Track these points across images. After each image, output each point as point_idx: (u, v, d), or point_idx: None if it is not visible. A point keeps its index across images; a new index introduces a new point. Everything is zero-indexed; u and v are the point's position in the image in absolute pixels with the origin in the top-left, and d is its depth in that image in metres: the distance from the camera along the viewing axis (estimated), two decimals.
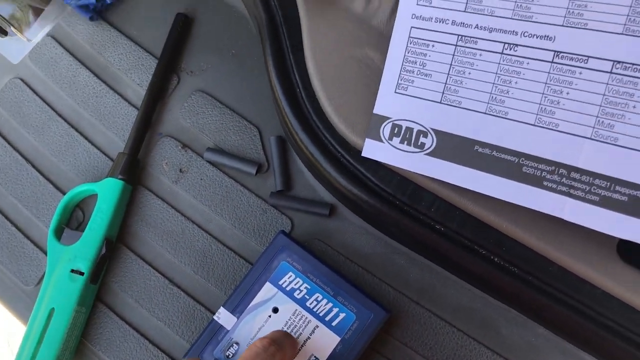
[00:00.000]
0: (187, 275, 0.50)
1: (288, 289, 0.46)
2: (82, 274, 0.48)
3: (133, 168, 0.52)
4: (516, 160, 0.36)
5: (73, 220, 0.52)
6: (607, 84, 0.34)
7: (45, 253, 0.51)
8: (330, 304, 0.46)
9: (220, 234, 0.50)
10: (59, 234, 0.50)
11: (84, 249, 0.49)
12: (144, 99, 0.53)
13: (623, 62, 0.33)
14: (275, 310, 0.46)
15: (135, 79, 0.55)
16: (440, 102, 0.39)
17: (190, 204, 0.52)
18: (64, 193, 0.53)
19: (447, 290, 0.48)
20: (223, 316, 0.46)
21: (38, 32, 0.57)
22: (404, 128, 0.40)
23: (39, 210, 0.53)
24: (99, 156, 0.53)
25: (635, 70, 0.33)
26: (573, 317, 0.40)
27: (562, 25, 0.35)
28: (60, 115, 0.55)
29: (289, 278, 0.46)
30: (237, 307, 0.46)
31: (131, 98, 0.55)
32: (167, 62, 0.54)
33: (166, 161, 0.53)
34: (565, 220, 0.36)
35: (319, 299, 0.46)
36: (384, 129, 0.41)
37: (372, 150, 0.42)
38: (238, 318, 0.46)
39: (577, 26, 0.35)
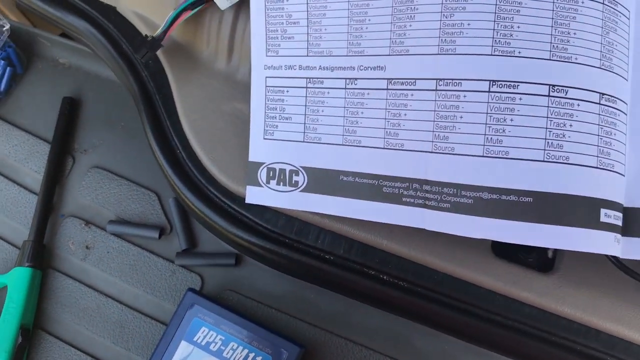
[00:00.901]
0: (108, 347, 0.51)
1: (203, 343, 0.47)
2: None
3: (39, 253, 0.53)
4: (376, 183, 0.39)
5: None
6: (435, 100, 0.37)
7: None
8: (246, 350, 0.47)
9: (134, 302, 0.51)
10: None
11: (0, 341, 0.49)
12: (42, 184, 0.54)
13: (444, 79, 0.36)
14: None
15: (32, 166, 0.56)
16: (304, 141, 0.42)
17: (101, 277, 0.53)
18: None
19: (358, 314, 0.50)
20: None
21: None
22: (277, 170, 0.43)
23: None
24: (6, 247, 0.54)
25: (455, 84, 0.36)
26: (466, 319, 0.42)
27: (389, 55, 0.38)
28: None
29: (202, 333, 0.47)
30: None
31: (31, 186, 0.56)
32: (59, 146, 0.56)
33: (72, 241, 0.54)
34: (430, 232, 0.38)
35: (234, 347, 0.47)
36: (260, 173, 0.43)
37: (254, 195, 0.44)
38: None
39: (400, 53, 0.38)
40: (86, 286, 0.52)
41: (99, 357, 0.51)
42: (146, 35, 0.46)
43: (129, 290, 0.52)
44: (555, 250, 0.42)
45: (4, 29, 0.56)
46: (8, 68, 0.58)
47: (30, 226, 0.53)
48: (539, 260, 0.42)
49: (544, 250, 0.42)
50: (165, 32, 0.45)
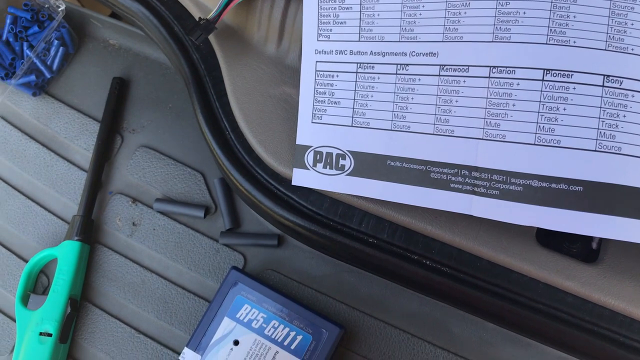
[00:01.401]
0: (152, 321, 0.52)
1: (245, 320, 0.48)
2: (50, 335, 0.50)
3: (88, 228, 0.54)
4: (424, 168, 0.40)
5: (38, 285, 0.54)
6: (488, 87, 0.37)
7: (15, 321, 0.53)
8: (287, 329, 0.48)
9: (178, 278, 0.53)
10: (25, 300, 0.53)
11: (50, 311, 0.51)
12: (91, 161, 0.56)
13: (498, 67, 0.37)
14: (236, 342, 0.48)
15: (82, 144, 0.58)
16: (352, 126, 0.42)
17: (147, 254, 0.54)
18: (26, 261, 0.55)
19: (397, 299, 0.50)
20: (187, 356, 0.48)
21: None
22: (324, 154, 0.44)
23: (5, 280, 0.55)
24: (56, 221, 0.56)
25: (509, 72, 0.36)
26: (506, 306, 0.43)
27: (442, 41, 0.38)
28: (15, 188, 0.58)
29: (245, 310, 0.49)
30: (200, 345, 0.48)
31: (80, 163, 0.58)
32: (109, 125, 0.57)
33: (119, 217, 0.55)
34: (478, 218, 0.39)
35: (275, 325, 0.48)
36: (307, 157, 0.44)
37: (300, 178, 0.45)
38: (202, 355, 0.48)
39: (454, 40, 0.38)
40: (132, 262, 0.54)
41: (142, 331, 0.52)
42: (200, 18, 0.47)
43: (174, 267, 0.53)
44: (600, 241, 0.42)
45: (60, 9, 0.58)
46: (61, 48, 0.60)
47: (80, 202, 0.55)
48: (583, 250, 0.42)
49: (589, 240, 0.42)
50: (219, 15, 0.46)
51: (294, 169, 0.45)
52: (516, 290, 0.42)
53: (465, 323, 0.49)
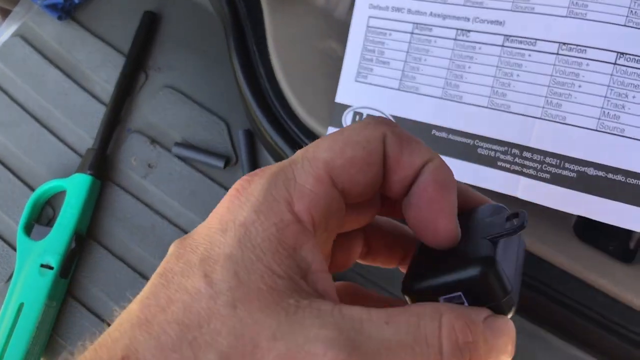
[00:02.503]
0: (157, 268, 0.50)
1: None
2: (51, 268, 0.49)
3: (102, 164, 0.52)
4: (471, 142, 0.38)
5: (43, 216, 0.52)
6: (554, 65, 0.35)
7: (15, 250, 0.51)
8: None
9: (189, 227, 0.51)
10: (28, 230, 0.51)
11: (54, 243, 0.49)
12: (112, 95, 0.54)
13: (568, 44, 0.35)
14: None
15: (103, 76, 0.55)
16: (399, 89, 0.40)
17: (160, 198, 0.52)
18: (33, 190, 0.53)
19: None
20: None
21: (5, 31, 0.58)
22: (364, 115, 0.41)
23: (9, 207, 0.53)
24: (68, 153, 0.54)
25: (579, 51, 0.34)
26: (532, 296, 0.41)
27: (511, 10, 0.36)
28: (29, 113, 0.55)
29: None
30: None
31: (100, 95, 0.55)
32: (135, 60, 0.55)
33: (135, 157, 0.53)
34: (521, 201, 0.37)
35: None
36: (345, 117, 0.42)
37: None
38: None
39: (524, 10, 0.36)
40: (143, 204, 0.52)
41: (147, 276, 0.50)
42: None
43: (186, 215, 0.51)
44: (638, 242, 0.40)
45: None
46: None
47: (95, 136, 0.53)
48: (621, 249, 0.40)
49: (627, 239, 0.41)
50: None
51: (329, 128, 0.43)
52: (545, 280, 0.40)
53: None
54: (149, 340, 0.17)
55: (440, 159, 0.22)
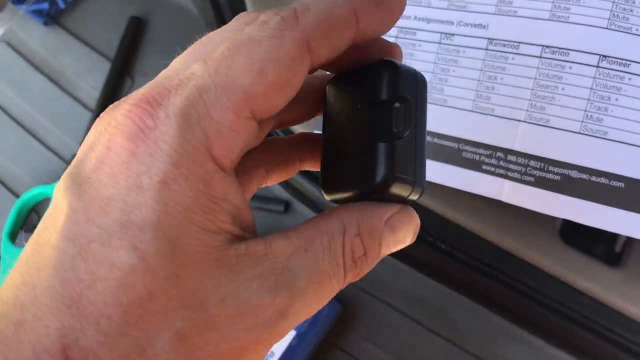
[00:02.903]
0: None
1: None
2: None
3: None
4: (456, 146, 0.37)
5: (29, 223, 0.52)
6: (537, 68, 0.35)
7: (0, 257, 0.51)
8: None
9: None
10: (13, 237, 0.50)
11: None
12: (98, 101, 0.53)
13: (551, 47, 0.35)
14: None
15: (89, 81, 0.55)
16: None
17: None
18: (18, 196, 0.52)
19: (400, 281, 0.48)
20: None
21: None
22: None
23: None
24: (54, 159, 0.54)
25: (562, 54, 0.34)
26: (519, 300, 0.41)
27: (494, 14, 0.36)
28: (14, 120, 0.55)
29: None
30: None
31: (86, 101, 0.55)
32: (121, 65, 0.55)
33: None
34: (507, 205, 0.37)
35: None
36: None
37: None
38: None
39: (508, 14, 0.36)
40: None
41: None
42: None
43: None
44: (625, 244, 0.40)
45: None
46: None
47: (81, 142, 0.52)
48: (606, 252, 0.40)
49: (613, 242, 0.40)
50: None
51: (314, 132, 0.42)
52: (531, 284, 0.40)
53: (468, 314, 0.48)
54: (88, 325, 0.15)
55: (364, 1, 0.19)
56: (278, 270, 0.18)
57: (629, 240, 0.38)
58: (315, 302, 0.19)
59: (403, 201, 0.21)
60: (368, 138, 0.21)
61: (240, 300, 0.17)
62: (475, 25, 0.37)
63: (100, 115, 0.19)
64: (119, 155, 0.17)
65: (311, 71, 0.19)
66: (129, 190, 0.16)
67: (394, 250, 0.21)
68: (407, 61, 0.39)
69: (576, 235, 0.40)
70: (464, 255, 0.41)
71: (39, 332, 0.15)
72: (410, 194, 0.21)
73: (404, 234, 0.21)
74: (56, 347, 0.15)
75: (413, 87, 0.21)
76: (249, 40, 0.18)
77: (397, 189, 0.20)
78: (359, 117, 0.21)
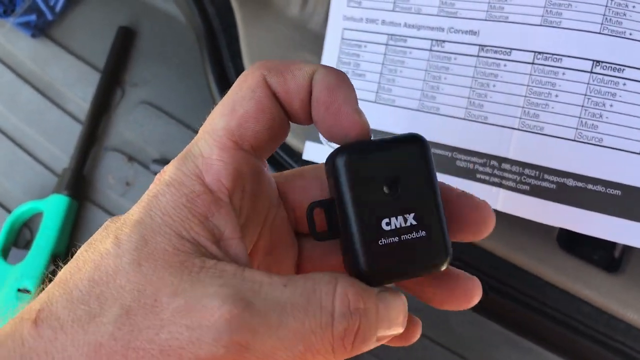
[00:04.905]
0: None
1: None
2: (29, 292, 0.48)
3: (79, 183, 0.51)
4: (450, 155, 0.37)
5: (21, 239, 0.51)
6: (530, 74, 0.34)
7: None
8: None
9: None
10: (5, 253, 0.50)
11: (31, 267, 0.48)
12: (88, 113, 0.53)
13: (544, 53, 0.34)
14: None
15: (79, 93, 0.55)
16: (375, 102, 0.39)
17: None
18: (9, 212, 0.52)
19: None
20: None
21: None
22: None
23: None
24: (44, 173, 0.53)
25: (555, 60, 0.33)
26: (517, 308, 0.40)
27: (485, 20, 0.36)
28: (3, 133, 0.54)
29: None
30: None
31: (75, 113, 0.54)
32: (110, 76, 0.54)
33: (112, 175, 0.52)
34: (503, 212, 0.36)
35: None
36: None
37: (312, 152, 0.42)
38: None
39: (499, 20, 0.35)
40: None
41: None
42: None
43: None
44: (623, 250, 0.40)
45: None
46: None
47: (72, 155, 0.52)
48: (605, 259, 0.40)
49: (611, 248, 0.40)
50: None
51: (307, 142, 0.42)
52: (530, 293, 0.39)
53: (467, 321, 0.47)
54: (63, 295, 0.18)
55: (325, 66, 0.22)
56: (242, 288, 0.18)
57: (628, 246, 0.38)
58: (283, 342, 0.18)
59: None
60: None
61: (191, 298, 0.18)
62: (466, 32, 0.36)
63: None
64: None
65: (290, 108, 0.22)
66: (135, 205, 0.20)
67: (387, 331, 0.21)
68: (398, 69, 0.38)
69: (574, 242, 0.39)
70: (460, 263, 0.40)
71: (31, 303, 0.19)
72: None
73: (396, 312, 0.21)
74: (34, 309, 0.18)
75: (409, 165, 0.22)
76: (226, 94, 0.22)
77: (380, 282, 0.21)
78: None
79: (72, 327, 0.18)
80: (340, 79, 0.22)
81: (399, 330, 0.21)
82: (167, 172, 0.20)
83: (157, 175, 0.21)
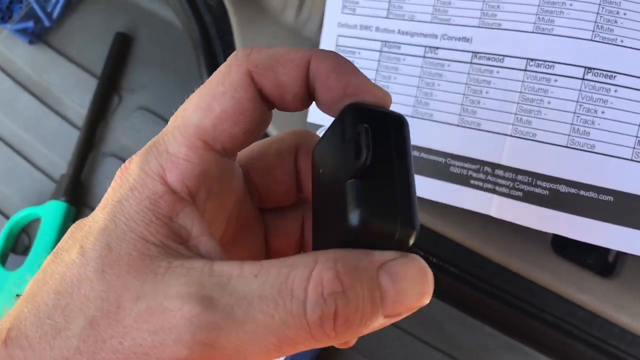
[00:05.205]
0: None
1: None
2: None
3: (76, 189, 0.51)
4: (443, 161, 0.37)
5: (19, 245, 0.52)
6: (523, 81, 0.34)
7: None
8: None
9: None
10: (3, 259, 0.50)
11: (29, 273, 0.48)
12: (85, 119, 0.53)
13: (536, 60, 0.34)
14: None
15: (76, 100, 0.55)
16: None
17: None
18: (7, 218, 0.52)
19: None
20: None
21: None
22: None
23: None
24: (42, 179, 0.53)
25: (547, 66, 0.34)
26: (512, 313, 0.41)
27: (478, 27, 0.36)
28: (1, 140, 0.54)
29: None
30: None
31: (73, 119, 0.55)
32: (107, 82, 0.54)
33: (110, 181, 0.52)
34: (496, 218, 0.36)
35: None
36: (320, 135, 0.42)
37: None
38: None
39: (491, 26, 0.35)
40: None
41: None
42: None
43: None
44: (617, 255, 0.40)
45: None
46: None
47: (69, 161, 0.52)
48: (599, 263, 0.40)
49: (605, 252, 0.40)
50: None
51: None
52: (525, 298, 0.40)
53: (463, 325, 0.47)
54: (31, 310, 0.18)
55: (319, 51, 0.20)
56: (207, 284, 0.17)
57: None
58: (252, 337, 0.17)
59: (398, 246, 0.18)
60: (340, 182, 0.19)
61: (153, 301, 0.17)
62: (459, 39, 0.36)
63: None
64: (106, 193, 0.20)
65: (269, 107, 0.21)
66: (98, 211, 0.19)
67: (402, 309, 0.18)
68: (392, 75, 0.39)
69: (568, 247, 0.40)
70: (455, 269, 0.41)
71: (1, 322, 0.19)
72: (398, 232, 0.18)
73: (410, 284, 0.17)
74: (4, 329, 0.18)
75: (381, 122, 0.19)
76: (206, 82, 0.20)
77: (378, 226, 0.18)
78: (334, 167, 0.20)
79: (39, 344, 0.18)
80: (339, 58, 0.20)
81: (420, 301, 0.18)
82: (131, 171, 0.20)
83: (119, 172, 0.20)
